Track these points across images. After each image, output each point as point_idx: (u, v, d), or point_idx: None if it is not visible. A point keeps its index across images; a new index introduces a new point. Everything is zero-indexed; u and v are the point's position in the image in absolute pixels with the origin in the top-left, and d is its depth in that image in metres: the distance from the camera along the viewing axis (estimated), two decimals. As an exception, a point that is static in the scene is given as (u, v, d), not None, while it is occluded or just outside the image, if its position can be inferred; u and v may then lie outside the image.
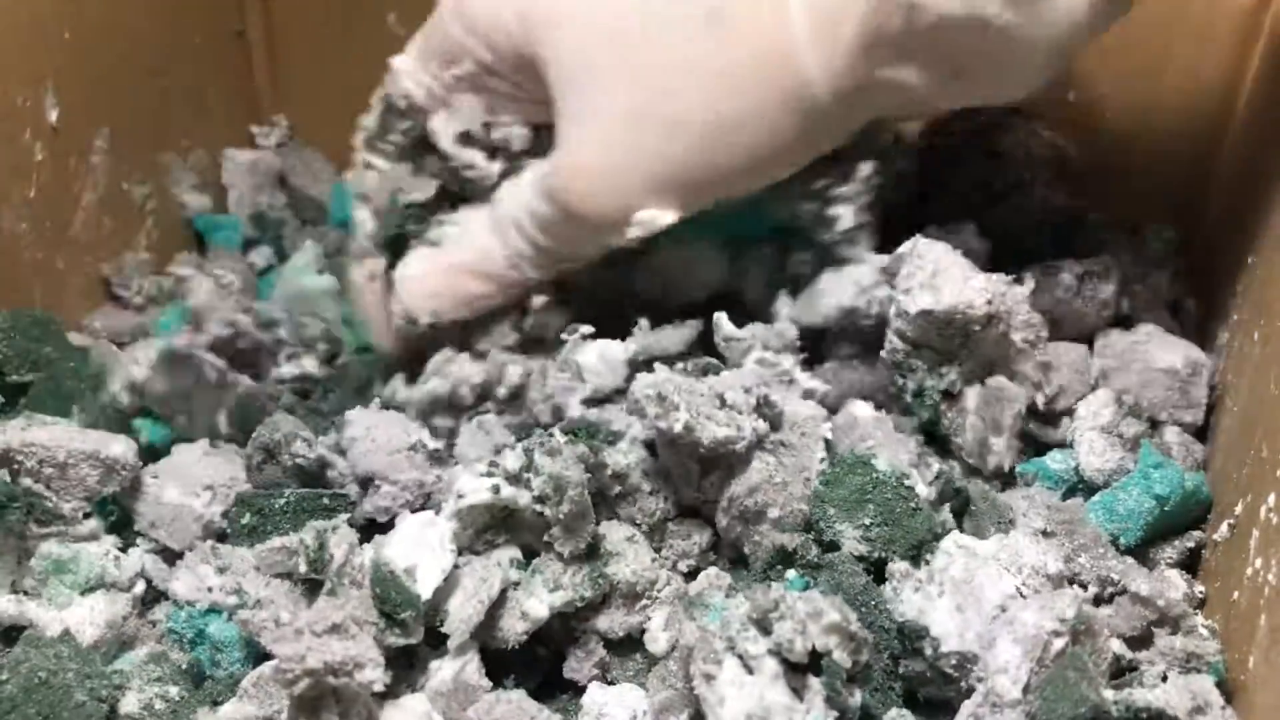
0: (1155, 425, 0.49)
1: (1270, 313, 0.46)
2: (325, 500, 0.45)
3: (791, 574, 0.41)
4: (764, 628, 0.37)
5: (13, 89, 0.51)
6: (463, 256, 0.49)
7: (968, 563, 0.40)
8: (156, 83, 0.61)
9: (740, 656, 0.37)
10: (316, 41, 0.68)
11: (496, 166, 0.50)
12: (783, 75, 0.43)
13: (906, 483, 0.42)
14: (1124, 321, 0.53)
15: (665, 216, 0.45)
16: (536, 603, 0.41)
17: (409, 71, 0.50)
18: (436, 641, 0.41)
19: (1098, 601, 0.42)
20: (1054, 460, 0.48)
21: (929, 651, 0.39)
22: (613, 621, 0.42)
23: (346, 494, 0.46)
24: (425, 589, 0.40)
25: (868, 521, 0.41)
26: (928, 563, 0.41)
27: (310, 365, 0.53)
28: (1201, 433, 0.49)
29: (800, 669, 0.37)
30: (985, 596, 0.39)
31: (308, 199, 0.69)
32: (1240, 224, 0.52)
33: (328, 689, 0.36)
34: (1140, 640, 0.41)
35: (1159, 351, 0.50)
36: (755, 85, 0.43)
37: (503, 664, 0.42)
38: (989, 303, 0.45)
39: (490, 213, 0.49)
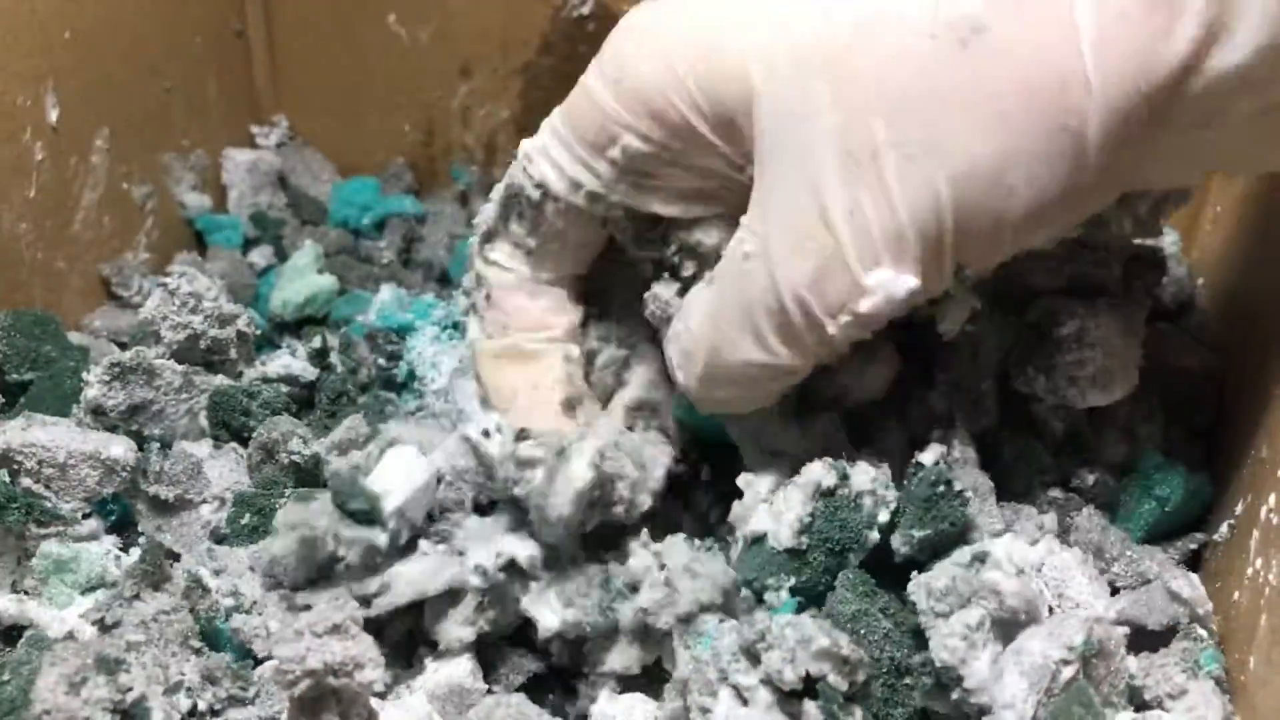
0: (1164, 425, 0.48)
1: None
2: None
3: (783, 595, 0.40)
4: (754, 657, 0.37)
5: (13, 89, 0.51)
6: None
7: (1014, 599, 0.37)
8: (156, 82, 0.61)
9: (734, 687, 0.36)
10: (316, 41, 0.68)
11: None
12: (1057, 108, 0.35)
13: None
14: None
15: (904, 280, 0.37)
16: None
17: (546, 154, 0.43)
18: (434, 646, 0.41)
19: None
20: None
21: (955, 695, 0.37)
22: (628, 659, 0.41)
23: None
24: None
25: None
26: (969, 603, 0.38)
27: (298, 367, 0.53)
28: (1207, 434, 0.49)
29: (796, 694, 0.36)
30: (1028, 647, 0.37)
31: (308, 199, 0.69)
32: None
33: (328, 689, 0.36)
34: (1161, 636, 0.40)
35: (1173, 352, 0.49)
36: (1021, 119, 0.35)
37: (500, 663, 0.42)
38: None
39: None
